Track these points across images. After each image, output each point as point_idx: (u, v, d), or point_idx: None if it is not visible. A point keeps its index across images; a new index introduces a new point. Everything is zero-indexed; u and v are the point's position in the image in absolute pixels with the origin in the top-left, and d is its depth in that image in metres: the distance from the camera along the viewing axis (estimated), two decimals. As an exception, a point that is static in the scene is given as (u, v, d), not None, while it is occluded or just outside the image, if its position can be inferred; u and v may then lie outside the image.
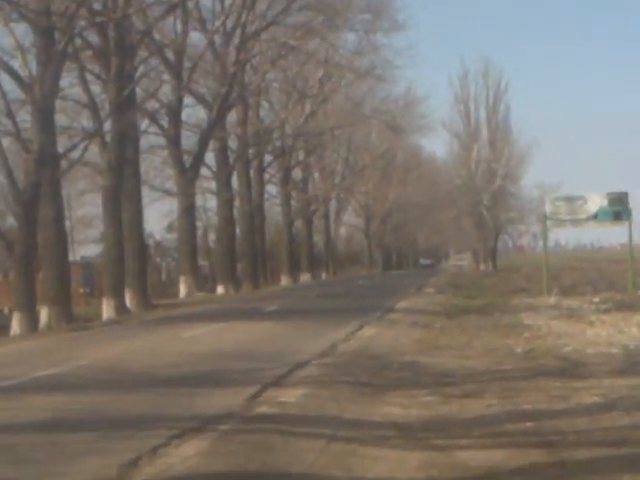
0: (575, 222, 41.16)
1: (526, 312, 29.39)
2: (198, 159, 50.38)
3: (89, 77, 39.00)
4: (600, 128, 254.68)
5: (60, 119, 36.83)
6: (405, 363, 17.34)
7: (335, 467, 9.14)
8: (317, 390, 13.92)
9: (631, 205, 39.74)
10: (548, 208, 40.95)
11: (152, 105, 48.14)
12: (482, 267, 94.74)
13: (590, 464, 8.99)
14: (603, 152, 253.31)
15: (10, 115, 31.51)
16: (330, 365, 17.02)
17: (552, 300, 34.45)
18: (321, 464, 9.25)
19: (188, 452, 9.70)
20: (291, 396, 13.31)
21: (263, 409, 12.36)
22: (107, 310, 35.22)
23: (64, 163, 34.71)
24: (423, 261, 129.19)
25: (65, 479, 8.65)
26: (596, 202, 39.64)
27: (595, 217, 39.95)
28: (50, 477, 8.76)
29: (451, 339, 21.54)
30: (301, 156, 73.43)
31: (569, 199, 40.68)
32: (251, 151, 59.83)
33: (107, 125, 37.73)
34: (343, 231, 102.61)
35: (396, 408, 12.59)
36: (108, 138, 37.02)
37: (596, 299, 33.13)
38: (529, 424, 11.04)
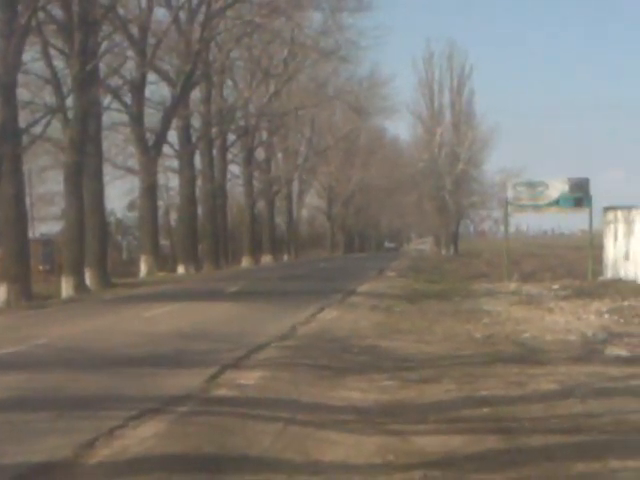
0: (536, 208, 41.31)
1: (486, 297, 29.53)
2: (161, 137, 50.12)
3: (52, 52, 38.55)
4: (563, 114, 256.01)
5: (22, 94, 36.45)
6: (365, 347, 17.37)
7: (292, 451, 9.16)
8: (276, 373, 13.93)
9: (592, 192, 39.99)
10: (509, 193, 41.10)
11: (115, 81, 47.80)
12: (444, 251, 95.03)
13: (545, 451, 9.06)
14: (566, 138, 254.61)
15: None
16: (290, 348, 17.03)
17: (512, 286, 34.62)
18: (278, 447, 9.26)
19: (145, 433, 9.69)
20: (250, 378, 13.31)
21: (222, 391, 12.36)
22: (66, 288, 34.98)
23: (25, 139, 34.40)
24: (387, 244, 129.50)
25: (21, 459, 8.60)
26: (557, 188, 39.82)
27: (556, 203, 40.14)
28: (5, 457, 8.71)
29: (411, 324, 21.60)
30: (264, 136, 73.25)
31: (530, 185, 40.82)
32: (214, 130, 59.60)
33: (70, 101, 37.39)
34: (305, 213, 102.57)
35: (355, 392, 12.62)
36: (70, 114, 36.69)
37: (555, 286, 33.33)
38: (486, 410, 11.11)
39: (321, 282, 38.24)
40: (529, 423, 10.33)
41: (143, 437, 9.53)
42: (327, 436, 9.87)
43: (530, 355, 15.88)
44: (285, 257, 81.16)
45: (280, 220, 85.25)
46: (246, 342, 17.48)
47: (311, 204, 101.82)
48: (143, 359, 15.37)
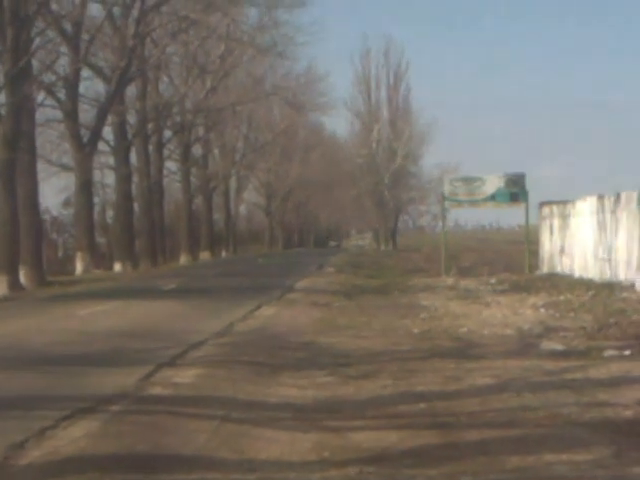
0: (473, 203, 41.59)
1: (424, 292, 29.67)
2: (96, 133, 49.64)
3: (-16, 48, 38.04)
4: (500, 110, 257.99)
5: (-46, 90, 35.96)
6: (303, 343, 17.33)
7: (227, 449, 9.07)
8: (212, 370, 13.83)
9: (528, 187, 40.30)
10: (446, 189, 41.32)
11: (49, 77, 47.21)
12: (383, 247, 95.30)
13: (481, 445, 9.07)
14: (502, 133, 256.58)
15: None
16: (227, 345, 16.93)
17: (450, 281, 34.81)
18: (212, 446, 9.17)
19: (77, 433, 9.55)
20: (185, 376, 13.20)
21: (156, 390, 12.24)
22: (1, 287, 34.52)
23: (-43, 135, 33.90)
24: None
25: (-52, 462, 8.42)
26: (494, 183, 40.10)
27: (492, 198, 40.44)
28: None
29: (350, 319, 21.61)
30: (201, 132, 72.84)
31: (467, 180, 41.08)
32: (150, 126, 59.16)
33: (2, 97, 36.92)
34: (244, 209, 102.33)
35: (292, 389, 12.56)
36: (3, 111, 36.21)
37: (493, 280, 33.56)
38: (422, 405, 11.11)
39: (259, 278, 38.15)
40: (465, 418, 10.34)
41: (75, 437, 9.38)
42: (263, 434, 9.80)
43: (467, 350, 15.96)
44: (223, 253, 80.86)
45: (218, 216, 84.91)
46: (183, 340, 17.35)
47: (249, 200, 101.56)
48: (77, 358, 15.18)
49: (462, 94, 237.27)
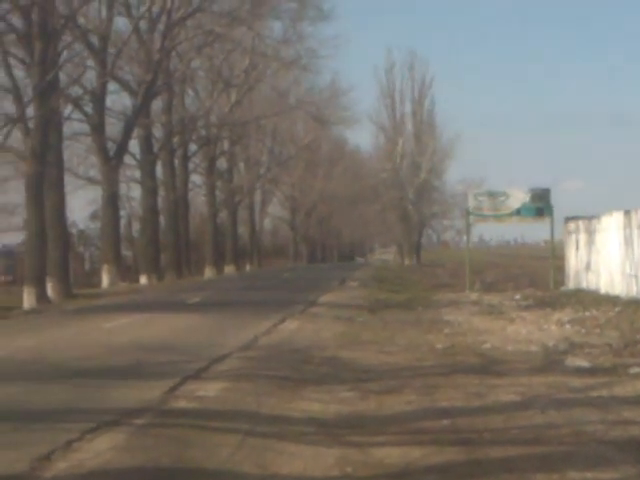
0: (497, 218, 41.46)
1: (448, 308, 29.58)
2: (122, 147, 49.93)
3: (12, 61, 38.36)
4: (524, 124, 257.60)
5: (-18, 104, 36.28)
6: (326, 358, 17.31)
7: (250, 463, 9.09)
8: (236, 384, 13.84)
9: (553, 202, 40.17)
10: (471, 203, 41.20)
11: (76, 91, 47.59)
12: (406, 261, 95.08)
13: (505, 463, 9.04)
14: (527, 148, 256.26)
15: None
16: (251, 359, 16.94)
17: (474, 296, 34.72)
18: (236, 460, 9.19)
19: (102, 446, 9.57)
20: (210, 390, 13.22)
21: (181, 403, 12.26)
22: (28, 299, 34.75)
23: (-14, 149, 34.19)
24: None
25: (-25, 474, 8.49)
26: (518, 198, 39.98)
27: (517, 213, 40.30)
28: (-41, 472, 8.59)
29: (373, 334, 21.57)
30: (226, 146, 73.13)
31: (491, 194, 40.96)
32: (176, 140, 59.50)
33: (30, 110, 37.19)
34: (268, 223, 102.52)
35: (315, 404, 12.56)
36: (31, 124, 36.49)
37: (517, 296, 33.44)
38: (446, 422, 11.08)
39: (283, 292, 38.16)
40: (489, 434, 10.31)
41: (100, 450, 9.41)
42: (286, 448, 9.80)
43: (491, 366, 15.89)
44: (248, 267, 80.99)
45: (243, 230, 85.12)
46: (207, 353, 17.37)
47: (274, 214, 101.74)
48: (102, 371, 15.23)
49: (487, 109, 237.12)
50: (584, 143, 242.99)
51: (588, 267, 36.57)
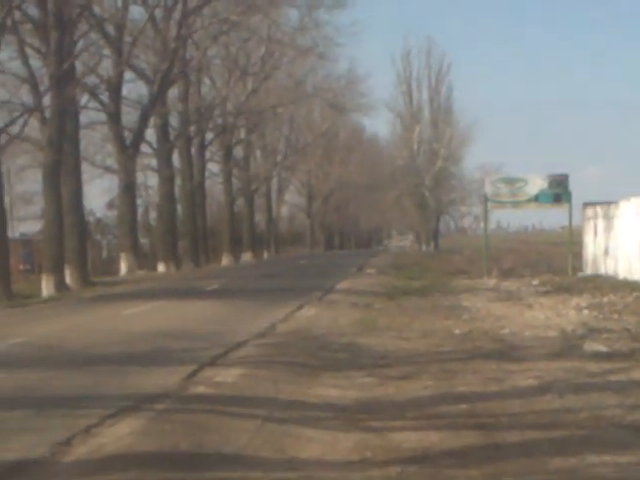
0: (515, 204, 41.34)
1: (466, 294, 29.54)
2: (139, 136, 50.00)
3: (28, 51, 38.40)
4: (542, 111, 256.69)
5: (-1, 93, 36.36)
6: (343, 344, 17.34)
7: (269, 448, 9.13)
8: (254, 370, 13.89)
9: (571, 188, 40.04)
10: (488, 189, 41.06)
11: (92, 80, 47.58)
12: (424, 248, 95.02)
13: (523, 447, 9.06)
14: (545, 134, 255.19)
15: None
16: (268, 345, 16.98)
17: (492, 282, 34.66)
18: (255, 445, 9.24)
19: (122, 431, 9.65)
20: (227, 376, 13.27)
21: (199, 389, 12.32)
22: (47, 287, 34.89)
23: (3, 138, 34.29)
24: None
25: (-4, 458, 8.55)
26: (537, 184, 39.85)
27: (535, 199, 40.17)
28: (-19, 456, 8.65)
29: (390, 320, 21.58)
30: (243, 134, 73.05)
31: (509, 181, 40.83)
32: (192, 128, 59.46)
33: (47, 100, 37.25)
34: (285, 210, 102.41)
35: (333, 389, 12.59)
36: (48, 113, 36.57)
37: (535, 282, 33.37)
38: (464, 406, 11.10)
39: (300, 279, 38.19)
40: (507, 419, 10.33)
41: (119, 435, 9.48)
42: (304, 433, 9.85)
43: (509, 351, 15.88)
44: (265, 254, 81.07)
45: (260, 218, 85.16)
46: (225, 340, 17.43)
47: (291, 201, 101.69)
48: (121, 357, 15.31)
49: (504, 95, 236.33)
50: (603, 129, 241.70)
51: (606, 253, 36.48)
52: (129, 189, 49.93)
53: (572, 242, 40.00)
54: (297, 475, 8.20)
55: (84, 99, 46.69)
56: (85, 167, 47.53)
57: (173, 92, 56.59)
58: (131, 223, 50.37)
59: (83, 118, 46.28)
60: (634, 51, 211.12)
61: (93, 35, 44.68)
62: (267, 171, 78.98)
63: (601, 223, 37.46)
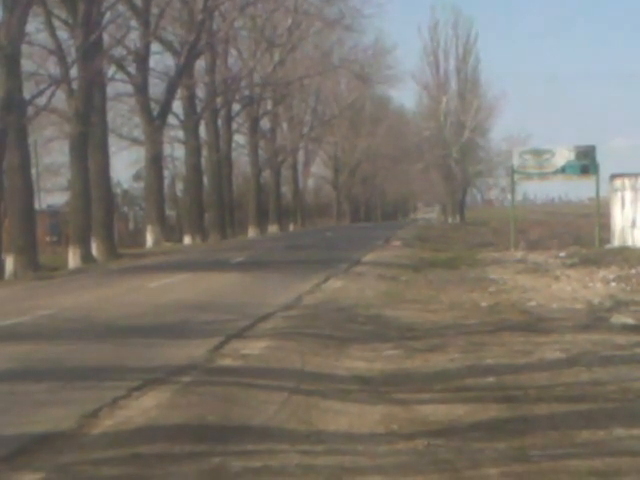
0: (542, 176, 41.18)
1: (492, 266, 29.49)
2: (166, 107, 50.01)
3: (56, 23, 38.42)
4: (569, 82, 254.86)
5: (26, 65, 36.32)
6: (370, 316, 17.34)
7: (296, 420, 9.14)
8: (281, 342, 13.89)
9: (599, 159, 39.82)
10: (516, 161, 40.92)
11: (119, 52, 47.59)
12: (450, 220, 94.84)
13: (550, 420, 9.03)
14: (572, 106, 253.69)
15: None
16: (295, 317, 16.99)
17: (519, 254, 34.57)
18: (282, 417, 9.24)
19: (148, 404, 9.67)
20: (254, 348, 13.28)
21: (226, 361, 12.33)
22: (73, 259, 35.01)
23: (30, 110, 34.32)
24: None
25: (23, 430, 8.58)
26: (564, 155, 39.67)
27: (563, 171, 40.01)
28: (7, 428, 8.68)
29: (417, 292, 21.57)
30: (269, 105, 72.96)
31: (537, 152, 40.66)
32: (219, 100, 59.37)
33: (74, 72, 37.28)
34: (311, 182, 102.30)
35: (360, 362, 12.60)
36: (75, 85, 36.60)
37: (562, 254, 33.26)
38: (491, 379, 11.08)
39: (327, 251, 38.13)
40: (534, 392, 10.30)
41: (146, 407, 9.50)
42: (331, 406, 9.85)
43: (536, 323, 15.85)
44: (291, 226, 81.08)
45: (286, 190, 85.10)
46: (251, 312, 17.44)
47: (317, 173, 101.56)
48: (147, 329, 15.35)
49: (531, 65, 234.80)
50: (631, 100, 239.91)
51: (634, 224, 36.29)
52: (156, 161, 49.99)
53: (599, 214, 39.82)
54: (324, 448, 8.20)
55: (111, 71, 46.78)
56: (112, 139, 47.61)
57: (200, 64, 56.56)
58: (158, 195, 50.44)
59: (110, 90, 46.43)
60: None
61: (120, 7, 44.61)
62: (293, 143, 78.86)
63: (629, 195, 37.23)
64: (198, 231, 53.22)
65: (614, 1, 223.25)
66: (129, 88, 50.53)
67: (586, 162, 39.55)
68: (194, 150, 54.58)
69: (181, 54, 49.09)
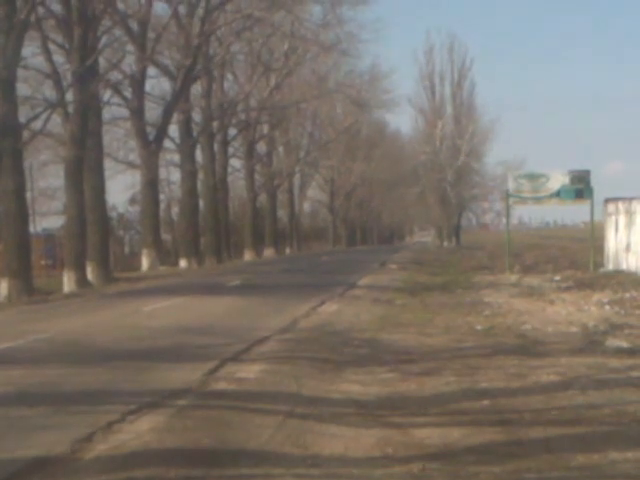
0: (537, 200, 41.23)
1: (487, 289, 29.49)
2: (162, 131, 50.07)
3: (52, 46, 38.52)
4: (563, 107, 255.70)
5: (22, 89, 36.49)
6: (366, 340, 17.32)
7: (291, 444, 9.13)
8: (276, 366, 13.89)
9: (593, 183, 39.91)
10: (511, 185, 41.01)
11: (115, 76, 47.67)
12: (446, 244, 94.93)
13: (545, 443, 9.03)
14: (566, 131, 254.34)
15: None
16: (290, 341, 16.98)
17: (514, 278, 34.58)
18: (277, 441, 9.23)
19: (143, 428, 9.66)
20: (250, 372, 13.28)
21: (221, 385, 12.33)
22: (68, 283, 34.96)
23: (26, 134, 34.35)
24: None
25: (17, 454, 8.57)
26: (558, 180, 39.75)
27: (557, 195, 40.07)
28: (2, 452, 8.68)
29: (413, 316, 21.55)
30: (265, 130, 73.14)
31: (531, 177, 40.75)
32: (215, 124, 59.49)
33: (70, 95, 37.32)
34: (307, 206, 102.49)
35: (355, 385, 12.58)
36: (71, 109, 36.64)
37: (557, 277, 33.29)
38: (486, 402, 11.07)
39: (323, 275, 38.18)
40: (529, 415, 10.29)
41: (141, 431, 9.49)
42: (326, 429, 9.84)
43: (531, 347, 15.84)
44: (287, 250, 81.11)
45: (282, 213, 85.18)
46: (247, 335, 17.44)
47: (313, 197, 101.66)
48: (142, 353, 15.33)
49: (526, 90, 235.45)
50: (624, 124, 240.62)
51: (628, 248, 36.32)
52: (152, 185, 50.02)
53: (594, 238, 39.88)
54: (320, 472, 8.19)
55: (107, 95, 46.80)
56: (108, 163, 47.69)
57: (196, 88, 56.68)
58: (153, 219, 50.46)
59: (106, 114, 46.52)
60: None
61: (116, 31, 44.75)
62: (290, 167, 79.01)
63: (622, 219, 37.28)
64: (194, 255, 53.19)
65: (613, 26, 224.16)
66: (125, 112, 50.64)
67: (581, 186, 39.63)
68: (190, 174, 54.59)
69: (177, 78, 49.18)
